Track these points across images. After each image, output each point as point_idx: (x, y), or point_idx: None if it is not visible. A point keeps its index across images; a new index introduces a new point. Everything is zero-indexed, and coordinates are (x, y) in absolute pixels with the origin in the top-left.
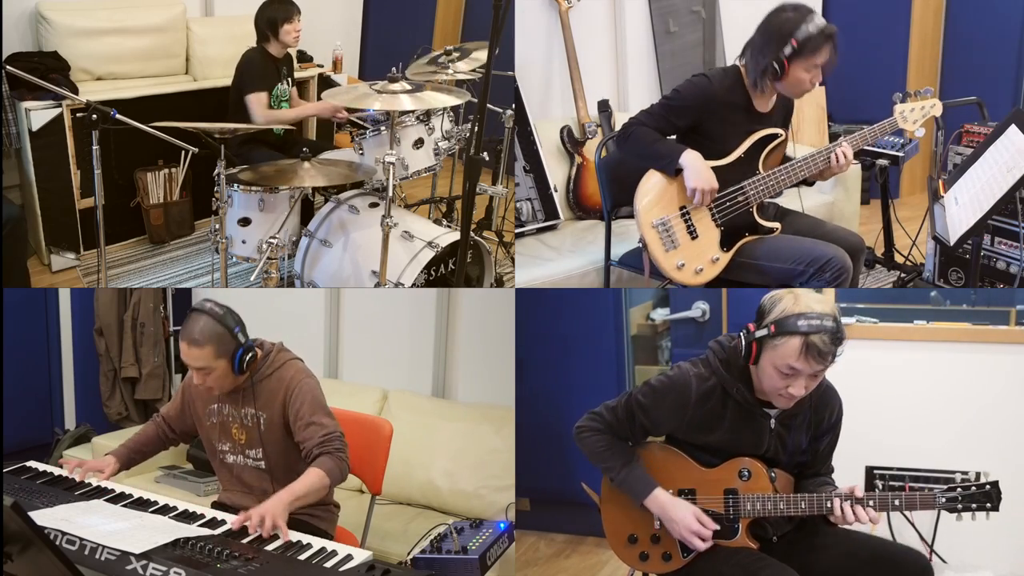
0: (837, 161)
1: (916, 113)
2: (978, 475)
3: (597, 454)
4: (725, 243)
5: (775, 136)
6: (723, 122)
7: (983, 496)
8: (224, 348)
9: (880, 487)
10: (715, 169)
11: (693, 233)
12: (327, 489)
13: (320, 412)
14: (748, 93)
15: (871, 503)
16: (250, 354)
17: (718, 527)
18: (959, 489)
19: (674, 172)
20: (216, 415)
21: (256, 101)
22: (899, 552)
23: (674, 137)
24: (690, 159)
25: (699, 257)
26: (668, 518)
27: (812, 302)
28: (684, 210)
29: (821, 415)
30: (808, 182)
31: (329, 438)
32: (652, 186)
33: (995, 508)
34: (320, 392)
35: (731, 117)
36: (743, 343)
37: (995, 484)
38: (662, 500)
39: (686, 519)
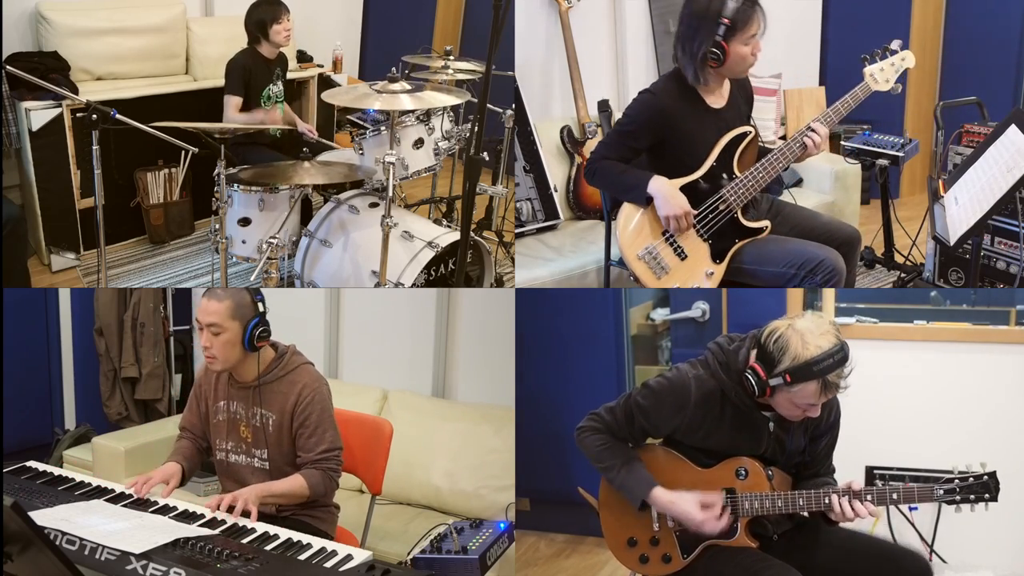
0: (814, 145)
1: (887, 72)
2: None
3: (596, 454)
4: (717, 255)
5: (744, 135)
6: (684, 130)
7: (981, 487)
8: (241, 312)
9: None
10: (689, 184)
11: (682, 254)
12: (303, 500)
13: (327, 426)
14: (697, 92)
15: (869, 497)
16: (262, 330)
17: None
18: (957, 481)
19: (645, 202)
20: (224, 412)
21: (227, 103)
22: (900, 552)
23: (642, 156)
24: (657, 186)
25: (693, 276)
26: (674, 516)
27: (817, 338)
28: (668, 233)
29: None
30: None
31: (327, 456)
32: (629, 218)
33: (993, 499)
34: (331, 402)
35: (690, 122)
36: (754, 385)
37: (992, 475)
38: (663, 499)
39: (689, 514)
